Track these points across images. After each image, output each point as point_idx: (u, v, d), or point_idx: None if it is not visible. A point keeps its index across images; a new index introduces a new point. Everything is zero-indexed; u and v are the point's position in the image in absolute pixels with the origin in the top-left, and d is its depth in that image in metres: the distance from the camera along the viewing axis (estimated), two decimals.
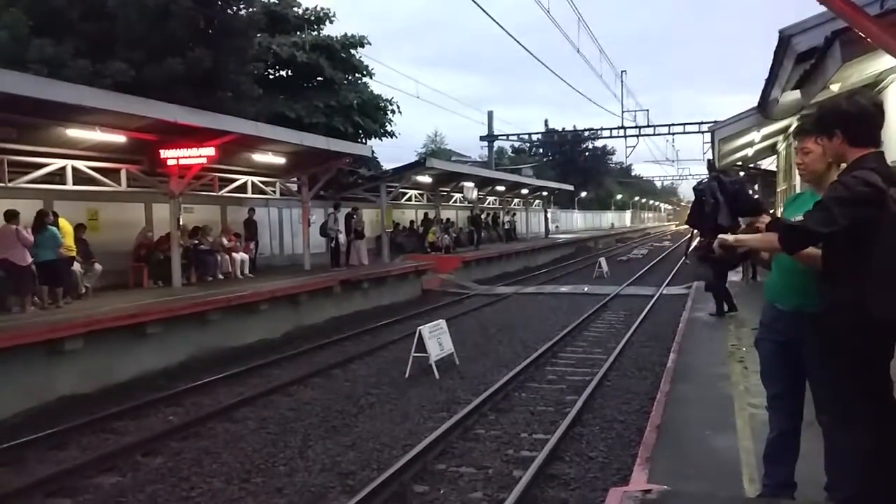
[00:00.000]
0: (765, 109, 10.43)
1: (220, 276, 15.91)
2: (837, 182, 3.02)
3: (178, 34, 18.24)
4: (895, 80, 8.01)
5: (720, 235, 3.54)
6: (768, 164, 23.21)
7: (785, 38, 6.86)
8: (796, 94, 7.78)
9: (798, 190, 3.72)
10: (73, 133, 11.88)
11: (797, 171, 3.58)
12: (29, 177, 12.94)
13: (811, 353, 3.30)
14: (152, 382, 10.48)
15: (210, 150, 13.15)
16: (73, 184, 13.98)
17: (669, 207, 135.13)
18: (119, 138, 12.45)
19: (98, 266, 13.17)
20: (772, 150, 19.09)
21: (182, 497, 6.15)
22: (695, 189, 4.17)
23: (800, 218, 3.36)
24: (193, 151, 13.18)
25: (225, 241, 16.72)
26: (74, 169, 13.82)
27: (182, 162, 13.35)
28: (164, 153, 13.22)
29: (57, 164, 13.47)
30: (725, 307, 11.64)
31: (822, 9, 4.85)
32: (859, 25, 4.21)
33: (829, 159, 3.35)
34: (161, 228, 15.21)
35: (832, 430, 3.20)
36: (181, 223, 14.53)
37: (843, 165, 3.41)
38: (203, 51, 18.61)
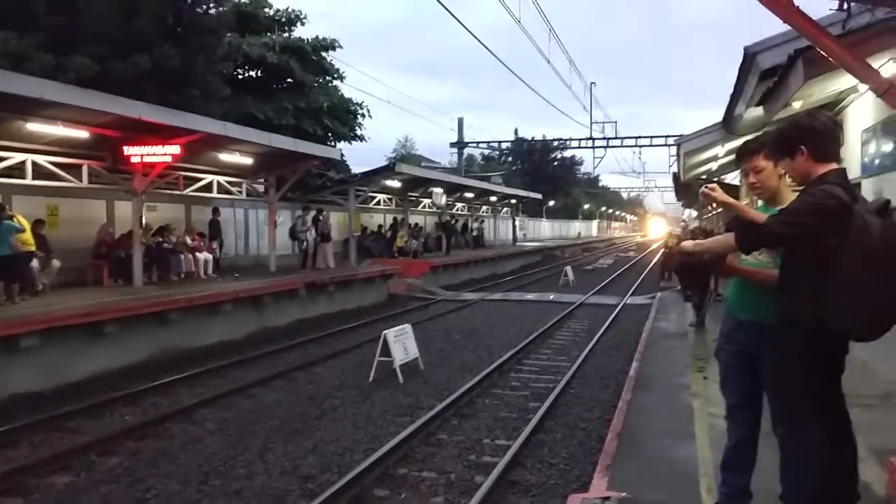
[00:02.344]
0: (729, 124, 10.62)
1: (183, 276, 15.68)
2: (805, 193, 3.07)
3: (145, 30, 17.92)
4: (855, 99, 8.22)
5: (682, 245, 3.57)
6: (732, 178, 23.62)
7: (750, 55, 7.01)
8: (759, 110, 7.95)
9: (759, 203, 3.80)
10: (34, 127, 11.62)
11: (752, 192, 3.65)
12: None
13: (768, 365, 3.35)
14: (109, 382, 10.28)
15: (175, 149, 12.97)
16: (33, 178, 13.65)
17: (635, 218, 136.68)
18: (81, 134, 12.22)
19: (56, 262, 12.89)
20: (735, 164, 19.43)
21: (137, 498, 6.03)
22: None
23: None
24: (158, 149, 12.99)
25: (188, 240, 16.50)
26: (34, 163, 13.50)
27: (146, 159, 13.14)
28: (127, 150, 13.00)
29: (16, 158, 13.14)
30: (696, 318, 11.88)
31: (787, 27, 4.96)
32: (821, 44, 4.31)
33: (787, 176, 3.42)
34: (123, 226, 14.95)
35: (787, 440, 3.25)
36: (144, 221, 14.28)
37: (786, 182, 3.50)
38: (171, 48, 18.30)
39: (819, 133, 3.13)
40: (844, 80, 6.86)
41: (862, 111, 8.08)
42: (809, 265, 3.01)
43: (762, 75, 6.97)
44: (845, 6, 5.25)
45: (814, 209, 2.94)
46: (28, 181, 13.55)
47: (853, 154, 8.18)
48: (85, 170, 14.49)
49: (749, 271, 3.52)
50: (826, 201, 2.94)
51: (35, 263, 12.08)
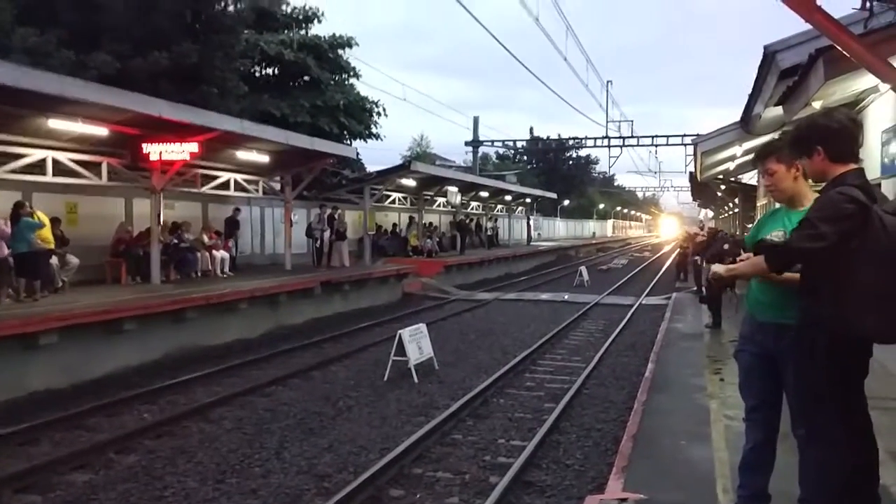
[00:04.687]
0: (747, 124, 10.54)
1: (200, 274, 15.78)
2: (824, 198, 3.03)
3: (164, 27, 18.09)
4: (875, 99, 8.14)
5: (713, 268, 3.65)
6: (749, 178, 23.48)
7: (769, 55, 6.95)
8: (779, 110, 7.88)
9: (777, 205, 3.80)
10: (55, 124, 11.71)
11: (768, 193, 3.67)
12: (7, 167, 12.70)
13: (790, 367, 3.32)
14: (127, 379, 10.36)
15: (194, 146, 13.05)
16: (53, 175, 13.76)
17: (650, 218, 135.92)
18: (101, 131, 12.30)
19: (75, 260, 13.01)
20: (753, 164, 19.29)
21: (155, 496, 6.08)
22: None
23: (777, 233, 3.43)
24: (177, 147, 13.08)
25: (206, 238, 16.60)
26: (55, 160, 13.61)
27: (165, 157, 13.24)
28: (146, 147, 13.10)
29: (37, 155, 13.24)
30: (711, 319, 11.86)
31: (807, 26, 4.92)
32: (843, 44, 4.27)
33: (804, 176, 3.40)
34: (141, 224, 15.06)
35: (808, 443, 3.22)
36: (162, 219, 14.40)
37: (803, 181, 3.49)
38: (189, 45, 18.47)
39: (835, 133, 3.09)
40: (865, 80, 6.79)
41: (882, 111, 7.99)
42: (828, 268, 2.96)
43: (782, 74, 6.92)
44: (867, 5, 5.21)
45: (833, 216, 2.89)
46: (48, 178, 13.65)
47: (873, 154, 8.09)
48: (104, 167, 14.59)
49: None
50: (844, 205, 2.89)
51: (54, 261, 12.21)
